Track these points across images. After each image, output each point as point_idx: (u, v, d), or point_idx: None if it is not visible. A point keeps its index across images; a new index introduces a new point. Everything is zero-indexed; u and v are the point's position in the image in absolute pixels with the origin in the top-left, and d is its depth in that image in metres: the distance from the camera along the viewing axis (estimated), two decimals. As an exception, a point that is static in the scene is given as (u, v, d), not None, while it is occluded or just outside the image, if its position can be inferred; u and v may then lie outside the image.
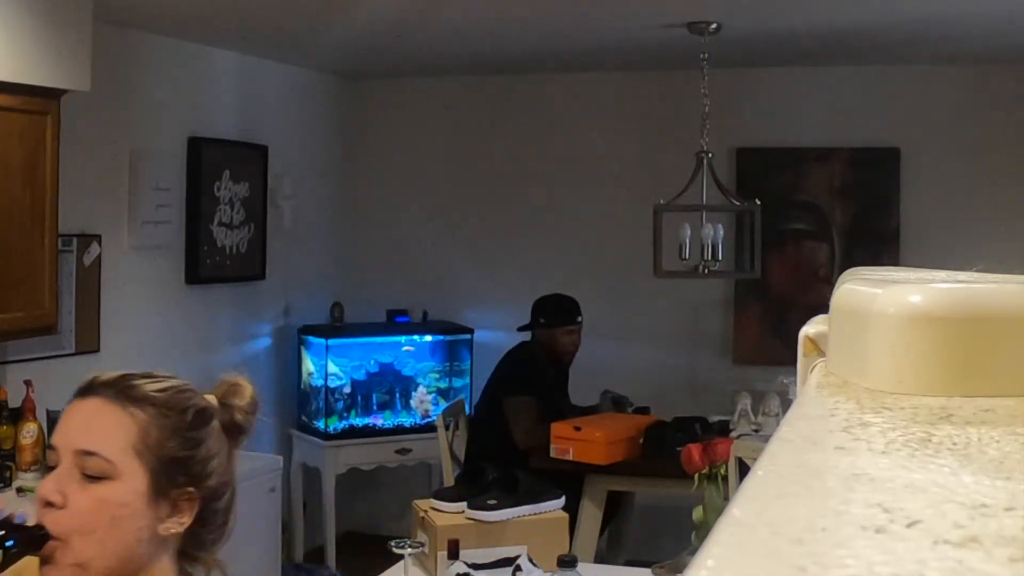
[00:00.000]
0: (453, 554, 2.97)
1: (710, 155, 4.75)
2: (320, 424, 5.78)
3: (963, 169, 5.72)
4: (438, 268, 6.44)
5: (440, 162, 6.50)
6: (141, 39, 4.92)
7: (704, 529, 2.93)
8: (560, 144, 6.27)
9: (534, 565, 2.94)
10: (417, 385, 6.01)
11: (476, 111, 6.44)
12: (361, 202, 6.60)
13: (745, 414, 4.95)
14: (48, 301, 3.94)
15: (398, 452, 5.89)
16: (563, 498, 3.31)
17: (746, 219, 5.12)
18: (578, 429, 4.72)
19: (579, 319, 5.33)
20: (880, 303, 0.63)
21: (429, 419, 5.84)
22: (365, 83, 6.56)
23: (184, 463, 1.53)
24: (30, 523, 1.49)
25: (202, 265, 5.33)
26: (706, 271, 4.81)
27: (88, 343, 4.61)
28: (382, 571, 3.06)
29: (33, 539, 1.44)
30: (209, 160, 5.35)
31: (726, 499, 3.04)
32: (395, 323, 6.14)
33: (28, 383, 4.07)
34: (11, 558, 1.42)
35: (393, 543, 2.89)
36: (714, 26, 4.64)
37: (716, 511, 2.95)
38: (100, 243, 4.67)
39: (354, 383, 5.87)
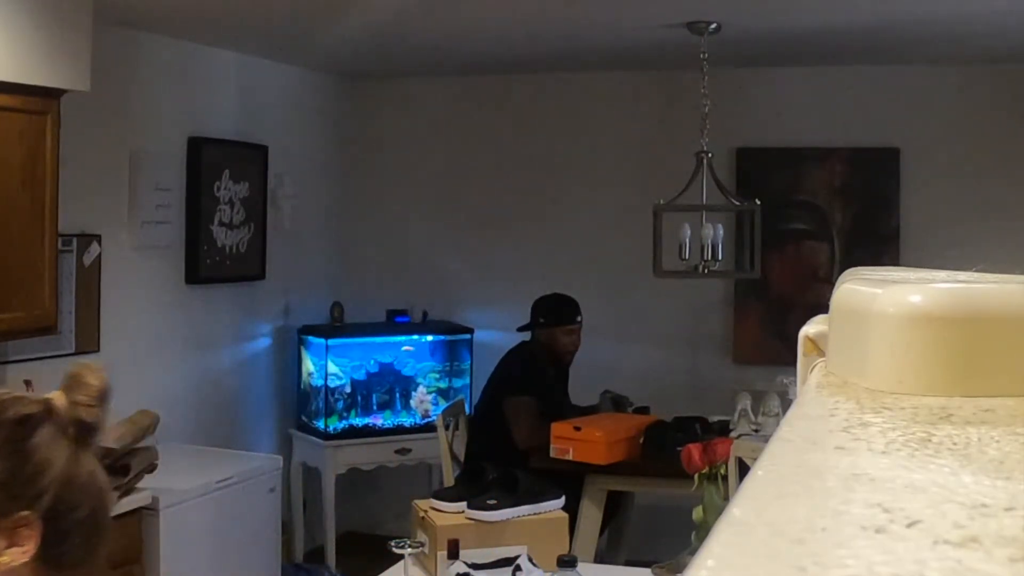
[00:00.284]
0: (453, 554, 2.96)
1: (710, 155, 4.75)
2: (320, 424, 5.78)
3: (963, 169, 5.72)
4: (438, 268, 6.44)
5: (440, 162, 6.50)
6: (141, 39, 4.92)
7: (704, 529, 2.93)
8: (560, 144, 6.27)
9: (534, 565, 2.94)
10: (417, 385, 6.01)
11: (476, 111, 6.44)
12: (361, 202, 6.60)
13: (745, 414, 4.95)
14: (48, 301, 3.94)
15: (398, 452, 5.89)
16: (563, 498, 3.31)
17: (746, 219, 5.12)
18: (578, 429, 4.72)
19: (579, 319, 5.33)
20: (880, 303, 0.63)
21: (429, 419, 5.84)
22: (365, 83, 6.56)
23: (7, 486, 1.33)
24: None
25: (202, 265, 5.33)
26: (706, 271, 4.81)
27: (88, 343, 4.61)
28: (382, 571, 3.06)
29: None
30: (209, 160, 5.35)
31: (726, 499, 3.04)
32: (395, 323, 6.14)
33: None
34: None
35: (393, 543, 2.89)
36: (714, 26, 4.64)
37: (716, 511, 2.95)
38: (100, 243, 4.67)
39: (354, 383, 5.87)
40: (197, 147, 5.29)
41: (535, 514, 3.20)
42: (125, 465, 3.77)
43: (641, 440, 4.78)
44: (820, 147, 5.89)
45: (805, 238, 5.93)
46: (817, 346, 0.80)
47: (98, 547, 1.45)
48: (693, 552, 2.23)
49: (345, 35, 5.06)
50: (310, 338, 5.93)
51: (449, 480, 5.01)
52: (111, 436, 3.79)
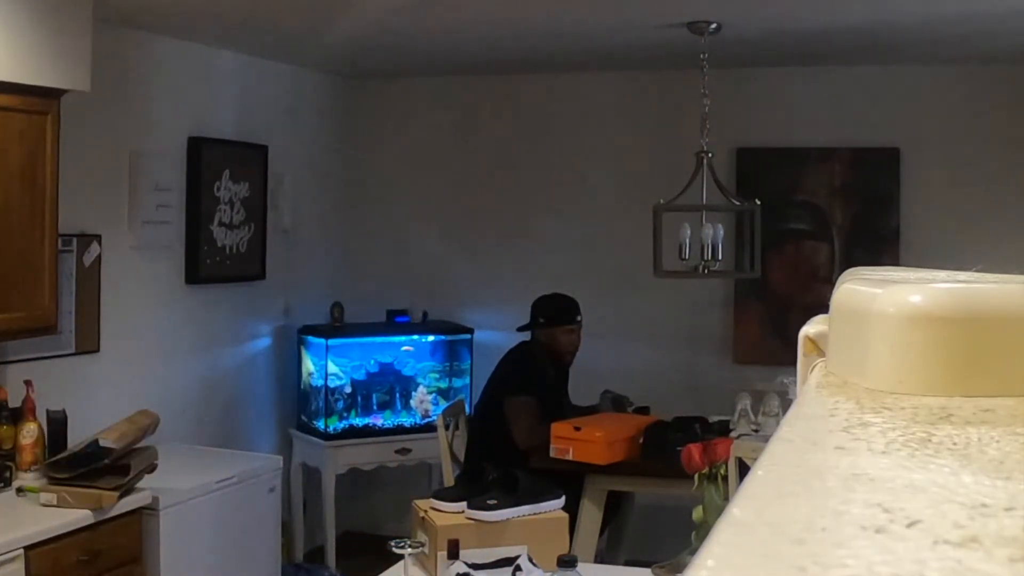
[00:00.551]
0: (453, 554, 2.96)
1: (710, 155, 4.75)
2: (320, 424, 5.78)
3: (963, 169, 5.72)
4: (438, 268, 6.44)
5: (440, 162, 6.50)
6: (141, 39, 4.92)
7: (704, 529, 2.93)
8: (560, 144, 6.27)
9: (534, 565, 2.94)
10: (417, 385, 6.01)
11: (476, 111, 6.44)
12: (361, 202, 6.60)
13: (745, 414, 4.95)
14: (48, 301, 3.94)
15: (398, 452, 5.89)
16: (563, 498, 3.31)
17: (746, 219, 5.12)
18: (578, 429, 4.72)
19: (579, 318, 5.32)
20: (880, 303, 0.63)
21: (429, 419, 5.84)
22: (365, 83, 6.56)
23: None
24: None
25: (202, 265, 5.33)
26: (706, 271, 4.81)
27: (88, 343, 4.61)
28: (382, 571, 3.06)
29: None
30: (209, 160, 5.35)
31: (726, 499, 3.04)
32: (395, 323, 6.14)
33: (28, 383, 4.07)
34: None
35: (393, 543, 2.89)
36: (714, 26, 4.64)
37: (716, 511, 2.95)
38: (100, 243, 4.67)
39: (354, 383, 5.87)
40: (197, 147, 5.29)
41: (535, 514, 3.20)
42: (125, 465, 3.77)
43: (641, 440, 4.78)
44: (820, 147, 5.89)
45: (805, 238, 5.93)
46: (817, 346, 0.80)
47: None
48: (693, 552, 2.23)
49: (345, 35, 5.06)
50: (310, 338, 5.93)
51: (449, 480, 5.01)
52: (111, 436, 3.79)
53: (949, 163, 5.75)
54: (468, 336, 6.13)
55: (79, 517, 3.63)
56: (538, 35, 5.13)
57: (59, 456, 3.83)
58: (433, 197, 6.50)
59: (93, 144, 4.60)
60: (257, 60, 5.73)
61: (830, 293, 0.72)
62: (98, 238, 4.66)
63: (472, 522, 3.13)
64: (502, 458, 4.22)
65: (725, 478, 3.21)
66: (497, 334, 5.98)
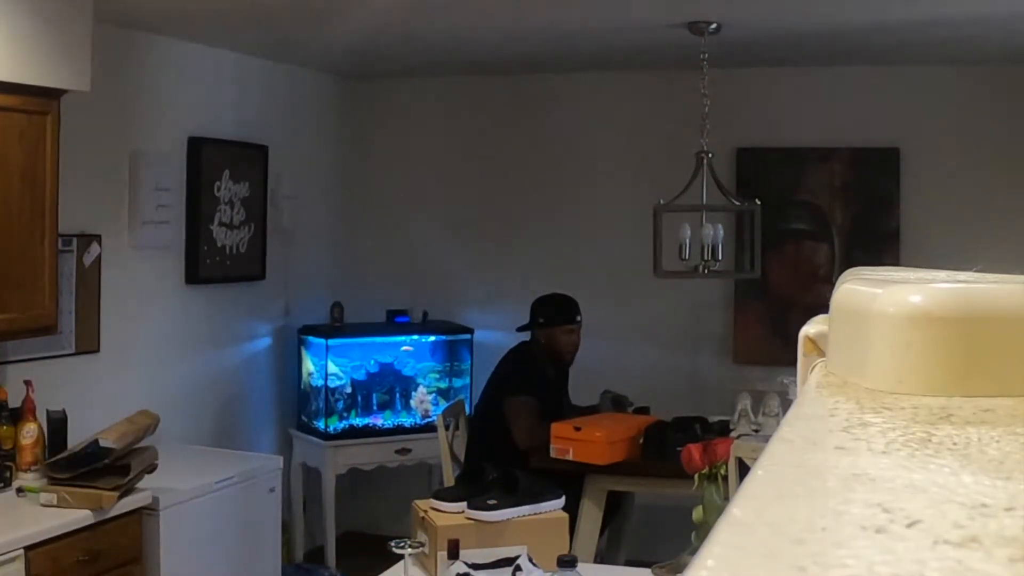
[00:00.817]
0: (453, 554, 2.96)
1: (710, 155, 4.75)
2: (320, 424, 5.78)
3: (963, 169, 5.72)
4: (438, 268, 6.44)
5: (440, 162, 6.50)
6: (141, 39, 4.92)
7: (704, 529, 2.93)
8: (560, 144, 6.27)
9: (534, 565, 2.94)
10: (417, 385, 6.01)
11: (476, 111, 6.44)
12: (361, 202, 6.60)
13: (745, 414, 4.95)
14: (48, 301, 3.94)
15: (398, 452, 5.89)
16: (563, 498, 3.31)
17: (746, 219, 5.12)
18: (578, 429, 4.72)
19: (578, 318, 5.32)
20: (880, 303, 0.63)
21: (429, 419, 5.84)
22: (365, 83, 6.56)
23: None
24: None
25: (202, 265, 5.33)
26: (706, 271, 4.81)
27: (88, 343, 4.61)
28: (382, 571, 3.06)
29: None
30: (209, 160, 5.35)
31: (726, 499, 3.04)
32: (395, 323, 6.14)
33: (28, 383, 4.07)
34: None
35: (393, 543, 2.89)
36: (714, 26, 4.64)
37: (716, 511, 2.95)
38: (100, 243, 4.67)
39: (354, 383, 5.87)
40: (197, 147, 5.29)
41: (535, 514, 3.20)
42: (125, 465, 3.77)
43: (641, 440, 4.78)
44: (820, 147, 5.89)
45: (805, 238, 5.93)
46: (817, 346, 0.80)
47: None
48: (693, 552, 2.23)
49: (345, 35, 5.06)
50: (310, 338, 5.93)
51: (449, 480, 5.01)
52: (111, 436, 3.79)
53: (949, 163, 5.75)
54: (468, 336, 6.13)
55: (79, 517, 3.63)
56: (538, 35, 5.13)
57: (59, 456, 3.83)
58: (433, 197, 6.50)
59: (93, 144, 4.59)
60: (257, 60, 5.73)
61: (830, 293, 0.72)
62: (98, 238, 4.66)
63: (472, 522, 3.13)
64: (502, 458, 4.22)
65: (725, 478, 3.21)
66: (497, 334, 5.98)
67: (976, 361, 0.61)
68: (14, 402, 4.02)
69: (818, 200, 5.91)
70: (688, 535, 3.01)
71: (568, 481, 4.22)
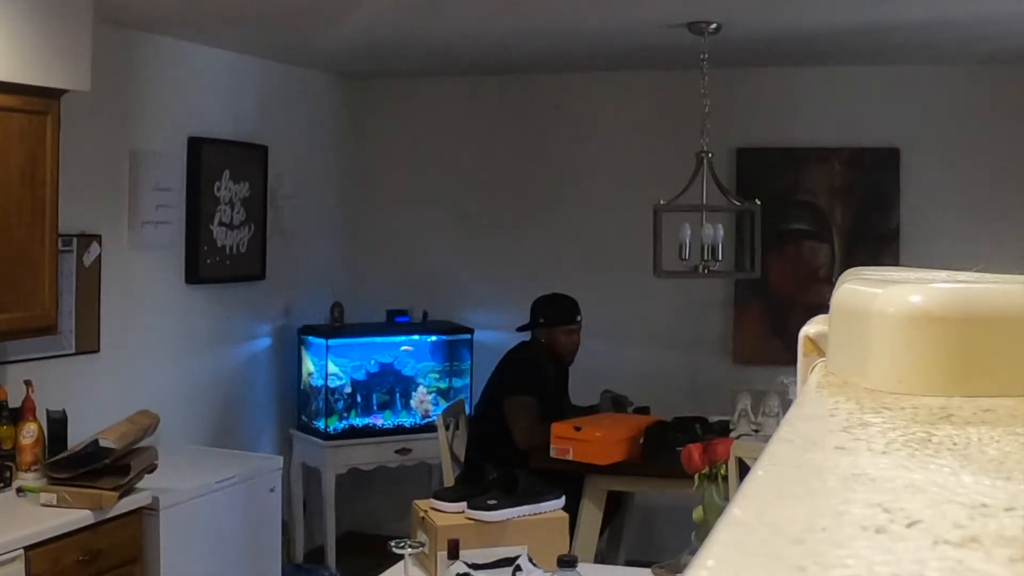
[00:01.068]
0: (453, 554, 2.96)
1: (710, 155, 4.75)
2: (320, 424, 5.78)
3: (963, 169, 5.72)
4: (438, 268, 6.44)
5: (440, 162, 6.49)
6: (141, 39, 4.92)
7: (704, 529, 2.93)
8: (560, 144, 6.27)
9: (534, 565, 2.94)
10: (417, 385, 6.01)
11: (476, 111, 6.44)
12: (361, 202, 6.60)
13: (745, 414, 4.95)
14: (48, 301, 3.94)
15: (398, 452, 5.89)
16: (563, 498, 3.31)
17: (746, 219, 5.12)
18: (578, 429, 4.71)
19: (579, 318, 5.32)
20: (880, 303, 0.63)
21: (429, 419, 5.84)
22: (365, 83, 6.56)
23: None
24: None
25: (202, 265, 5.33)
26: (706, 271, 4.81)
27: (88, 343, 4.61)
28: (382, 571, 3.06)
29: None
30: (209, 160, 5.35)
31: (726, 499, 3.04)
32: (395, 323, 6.14)
33: (28, 383, 4.07)
34: None
35: (393, 543, 2.89)
36: (714, 26, 4.64)
37: (716, 511, 2.95)
38: (100, 243, 4.67)
39: (354, 383, 5.87)
40: (197, 147, 5.29)
41: (535, 514, 3.20)
42: (125, 465, 3.77)
43: (641, 440, 4.78)
44: (820, 147, 5.89)
45: (805, 238, 5.93)
46: (817, 346, 0.80)
47: None
48: (693, 552, 2.23)
49: (345, 35, 5.06)
50: (310, 338, 5.93)
51: (449, 480, 5.01)
52: (111, 436, 3.79)
53: (949, 163, 5.75)
54: (468, 336, 6.13)
55: (79, 517, 3.63)
56: (538, 36, 5.13)
57: (59, 456, 3.83)
58: (433, 197, 6.50)
59: (93, 144, 4.59)
60: (257, 60, 5.73)
61: (830, 293, 0.72)
62: (98, 238, 4.66)
63: (472, 522, 3.13)
64: (502, 458, 4.22)
65: (725, 478, 3.21)
66: (497, 334, 5.98)
67: (976, 361, 0.61)
68: (14, 402, 4.02)
69: (818, 200, 5.91)
70: (688, 535, 3.01)
71: (568, 481, 4.22)
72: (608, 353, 5.94)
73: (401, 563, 2.92)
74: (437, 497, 3.28)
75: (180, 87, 5.20)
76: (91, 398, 4.51)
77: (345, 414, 5.84)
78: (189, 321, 5.29)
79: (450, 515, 3.16)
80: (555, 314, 5.29)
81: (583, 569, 2.79)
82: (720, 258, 4.82)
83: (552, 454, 4.71)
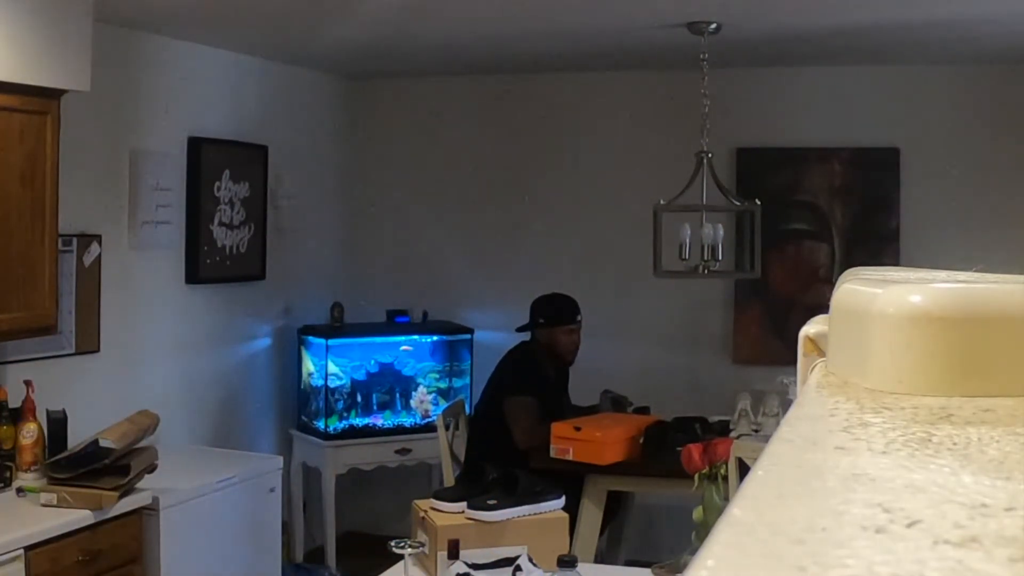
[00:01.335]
0: (453, 554, 2.97)
1: (710, 155, 4.75)
2: (320, 424, 5.78)
3: (963, 169, 5.72)
4: (438, 268, 6.44)
5: (440, 162, 6.49)
6: (141, 39, 4.92)
7: (704, 529, 2.93)
8: (560, 144, 6.27)
9: (534, 565, 2.94)
10: (417, 385, 6.01)
11: (476, 111, 6.44)
12: (361, 202, 6.60)
13: (745, 414, 4.95)
14: (48, 301, 3.94)
15: (398, 452, 5.89)
16: (563, 498, 3.31)
17: (746, 219, 5.12)
18: (578, 429, 4.72)
19: (579, 318, 5.32)
20: (880, 303, 0.63)
21: (429, 419, 5.84)
22: (365, 83, 6.56)
23: None
24: None
25: (202, 265, 5.33)
26: (706, 271, 4.81)
27: (88, 343, 4.61)
28: (382, 571, 3.06)
29: None
30: (209, 160, 5.35)
31: (726, 499, 3.04)
32: (395, 323, 6.14)
33: (28, 383, 4.07)
34: None
35: (393, 543, 2.89)
36: (714, 26, 4.64)
37: (716, 511, 2.95)
38: (100, 243, 4.67)
39: (354, 383, 5.87)
40: (197, 147, 5.28)
41: (535, 514, 3.20)
42: (125, 465, 3.77)
43: (641, 440, 4.78)
44: (820, 147, 5.89)
45: (805, 238, 5.93)
46: (817, 346, 0.80)
47: None
48: (693, 552, 2.23)
49: (345, 35, 5.06)
50: (310, 338, 5.93)
51: (449, 480, 5.01)
52: (111, 436, 3.79)
53: (949, 163, 5.75)
54: (468, 336, 6.13)
55: (79, 517, 3.63)
56: (538, 36, 5.13)
57: (59, 456, 3.83)
58: (433, 197, 6.50)
59: (93, 144, 4.59)
60: (257, 60, 5.73)
61: (830, 293, 0.72)
62: (98, 238, 4.66)
63: (472, 522, 3.13)
64: (502, 458, 4.22)
65: (725, 478, 3.21)
66: (497, 334, 5.98)
67: (976, 361, 0.61)
68: (14, 402, 4.02)
69: (818, 200, 5.91)
70: (688, 535, 3.01)
71: (568, 481, 4.22)
72: (608, 353, 5.94)
73: (401, 563, 2.92)
74: (437, 497, 3.28)
75: (180, 87, 5.20)
76: (91, 398, 4.51)
77: (345, 414, 5.84)
78: (189, 321, 5.29)
79: (450, 515, 3.16)
80: (555, 314, 5.29)
81: (583, 569, 2.79)
82: (720, 258, 4.82)
83: (552, 454, 4.71)
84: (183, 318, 5.25)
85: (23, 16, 3.68)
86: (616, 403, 5.35)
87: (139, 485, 3.88)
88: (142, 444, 3.97)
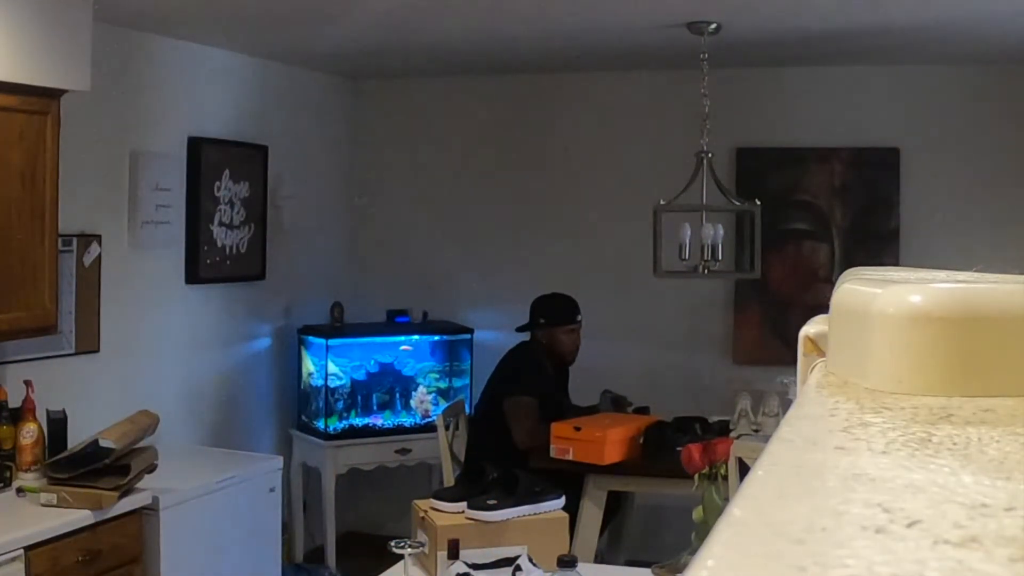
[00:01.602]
0: (453, 554, 2.97)
1: (710, 155, 4.75)
2: (320, 424, 5.78)
3: (963, 169, 5.72)
4: (438, 268, 6.44)
5: (440, 162, 6.50)
6: (141, 39, 4.92)
7: (704, 529, 2.93)
8: (560, 144, 6.27)
9: (534, 565, 2.94)
10: (417, 385, 6.01)
11: (476, 111, 6.44)
12: (361, 202, 6.60)
13: (745, 414, 4.95)
14: (48, 301, 3.94)
15: (398, 452, 5.89)
16: (563, 498, 3.31)
17: (746, 219, 5.12)
18: (578, 429, 4.72)
19: (579, 318, 5.32)
20: (880, 303, 0.63)
21: (429, 419, 5.84)
22: (365, 83, 6.56)
23: None
24: None
25: (202, 265, 5.33)
26: (706, 271, 4.81)
27: (88, 343, 4.61)
28: (382, 571, 3.06)
29: None
30: (209, 160, 5.35)
31: (726, 499, 3.04)
32: (395, 323, 6.14)
33: (28, 383, 4.07)
34: None
35: (393, 543, 2.89)
36: (714, 26, 4.64)
37: (716, 511, 2.95)
38: (100, 243, 4.67)
39: (354, 383, 5.87)
40: (197, 147, 5.29)
41: (535, 514, 3.20)
42: (125, 465, 3.77)
43: (641, 440, 4.78)
44: (820, 147, 5.89)
45: (805, 238, 5.93)
46: (817, 346, 0.80)
47: None
48: (693, 552, 2.23)
49: (345, 35, 5.06)
50: (310, 338, 5.93)
51: (449, 480, 5.01)
52: (111, 436, 3.79)
53: (949, 163, 5.75)
54: (468, 336, 6.13)
55: (79, 517, 3.63)
56: (538, 36, 5.13)
57: (59, 456, 3.83)
58: (433, 197, 6.50)
59: (93, 144, 4.59)
60: (257, 60, 5.73)
61: (830, 293, 0.72)
62: (98, 238, 4.66)
63: (472, 522, 3.13)
64: (502, 458, 4.22)
65: (725, 478, 3.21)
66: (497, 334, 5.98)
67: (976, 361, 0.61)
68: (14, 402, 4.02)
69: (818, 200, 5.91)
70: (688, 535, 3.01)
71: (568, 481, 4.22)
72: (608, 353, 5.94)
73: (401, 563, 2.92)
74: (437, 497, 3.28)
75: (180, 87, 5.20)
76: (91, 398, 4.51)
77: (345, 414, 5.84)
78: (189, 321, 5.29)
79: (450, 515, 3.16)
80: (555, 314, 5.29)
81: (583, 569, 2.79)
82: (720, 258, 4.82)
83: (552, 454, 4.71)
84: (183, 318, 5.25)
85: (23, 16, 3.68)
86: (616, 403, 5.35)
87: (139, 485, 3.88)
88: (142, 444, 3.97)
